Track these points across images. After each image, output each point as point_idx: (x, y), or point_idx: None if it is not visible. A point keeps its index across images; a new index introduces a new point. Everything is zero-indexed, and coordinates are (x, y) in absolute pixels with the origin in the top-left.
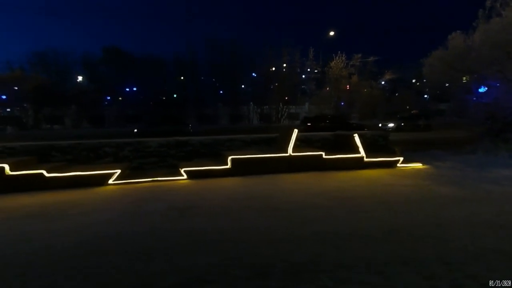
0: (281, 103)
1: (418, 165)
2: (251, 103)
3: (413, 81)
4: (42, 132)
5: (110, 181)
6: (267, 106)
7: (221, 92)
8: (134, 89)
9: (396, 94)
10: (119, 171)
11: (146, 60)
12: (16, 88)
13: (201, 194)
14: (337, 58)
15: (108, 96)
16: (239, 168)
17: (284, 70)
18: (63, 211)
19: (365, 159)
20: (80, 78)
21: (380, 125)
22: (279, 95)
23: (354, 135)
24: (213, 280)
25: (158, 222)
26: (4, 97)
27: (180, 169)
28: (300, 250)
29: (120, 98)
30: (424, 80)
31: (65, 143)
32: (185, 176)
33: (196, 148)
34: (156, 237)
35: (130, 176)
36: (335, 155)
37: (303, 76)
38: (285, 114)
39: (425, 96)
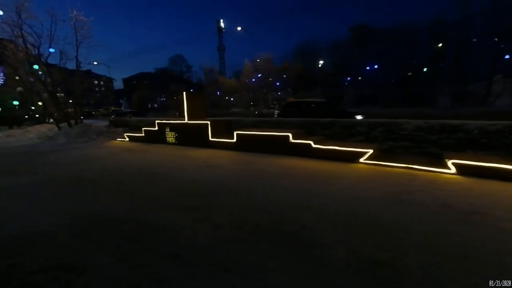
0: None
1: None
2: None
3: None
4: None
5: (361, 160)
6: None
7: (506, 57)
8: (375, 67)
9: None
10: (371, 151)
11: (392, 32)
12: (284, 76)
13: (489, 199)
14: None
15: (349, 77)
16: None
17: None
18: (330, 179)
19: None
20: (321, 63)
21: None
22: None
23: None
24: None
25: (441, 221)
26: (278, 83)
27: (446, 160)
28: None
29: (359, 78)
30: None
31: (326, 120)
32: (452, 170)
33: (472, 136)
34: (444, 241)
35: (380, 157)
36: None
37: None
38: None
39: None
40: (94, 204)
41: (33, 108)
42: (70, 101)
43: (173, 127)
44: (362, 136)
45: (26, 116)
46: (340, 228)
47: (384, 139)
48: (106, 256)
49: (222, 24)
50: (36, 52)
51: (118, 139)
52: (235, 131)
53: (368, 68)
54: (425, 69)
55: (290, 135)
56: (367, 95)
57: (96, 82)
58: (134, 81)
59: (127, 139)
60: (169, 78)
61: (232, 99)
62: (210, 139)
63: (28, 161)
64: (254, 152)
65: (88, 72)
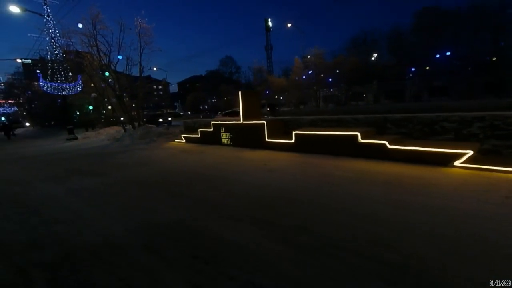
0: None
1: None
2: None
3: None
4: (350, 107)
5: (457, 163)
6: None
7: None
8: (447, 54)
9: None
10: (471, 152)
11: (472, 10)
12: (337, 71)
13: None
14: None
15: (413, 67)
16: None
17: None
18: (422, 187)
19: None
20: (377, 55)
21: None
22: None
23: None
24: None
25: None
26: (330, 79)
27: None
28: None
29: (427, 68)
30: None
31: (400, 116)
32: None
33: None
34: None
35: (483, 160)
36: None
37: None
38: None
39: None
40: (160, 210)
41: (104, 112)
42: (133, 105)
43: (228, 128)
44: (451, 134)
45: (113, 119)
46: (470, 262)
47: (485, 137)
48: (180, 281)
49: (270, 23)
50: (107, 59)
51: (175, 140)
52: (294, 131)
53: (438, 56)
54: None
55: (359, 134)
56: (434, 87)
57: (154, 86)
58: (187, 84)
59: (184, 140)
60: (220, 80)
61: (281, 98)
62: (266, 139)
63: (99, 162)
64: (315, 153)
65: (148, 77)
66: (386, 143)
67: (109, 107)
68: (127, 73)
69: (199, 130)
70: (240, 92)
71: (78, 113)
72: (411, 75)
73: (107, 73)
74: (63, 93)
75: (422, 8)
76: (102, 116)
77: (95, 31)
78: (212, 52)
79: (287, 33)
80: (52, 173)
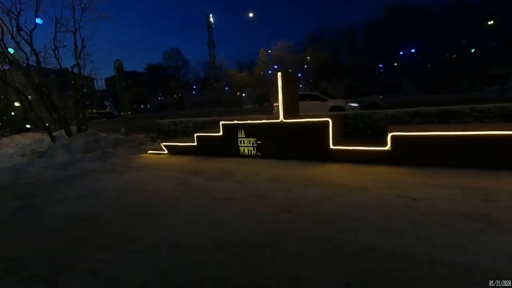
0: None
1: None
2: None
3: None
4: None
5: None
6: None
7: None
8: (412, 51)
9: None
10: None
11: (439, 11)
12: (305, 66)
13: None
14: None
15: (381, 63)
16: None
17: None
18: None
19: None
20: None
21: None
22: None
23: None
24: None
25: None
26: (300, 74)
27: None
28: None
29: (395, 64)
30: None
31: None
32: None
33: None
34: None
35: None
36: None
37: None
38: None
39: None
40: None
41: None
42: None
43: (251, 130)
44: None
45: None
46: None
47: None
48: None
49: (211, 19)
50: (15, 24)
51: (149, 152)
52: (390, 132)
53: (402, 53)
54: (472, 50)
55: None
56: (389, 84)
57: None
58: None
59: (166, 150)
60: (164, 76)
61: (244, 94)
62: (331, 147)
63: (24, 215)
64: (430, 166)
65: (65, 70)
66: None
67: (17, 104)
68: (56, 45)
69: (195, 135)
70: (279, 74)
71: None
72: (381, 70)
73: (12, 50)
74: None
75: (392, 4)
76: (5, 118)
77: None
78: (152, 47)
79: (238, 28)
80: None
